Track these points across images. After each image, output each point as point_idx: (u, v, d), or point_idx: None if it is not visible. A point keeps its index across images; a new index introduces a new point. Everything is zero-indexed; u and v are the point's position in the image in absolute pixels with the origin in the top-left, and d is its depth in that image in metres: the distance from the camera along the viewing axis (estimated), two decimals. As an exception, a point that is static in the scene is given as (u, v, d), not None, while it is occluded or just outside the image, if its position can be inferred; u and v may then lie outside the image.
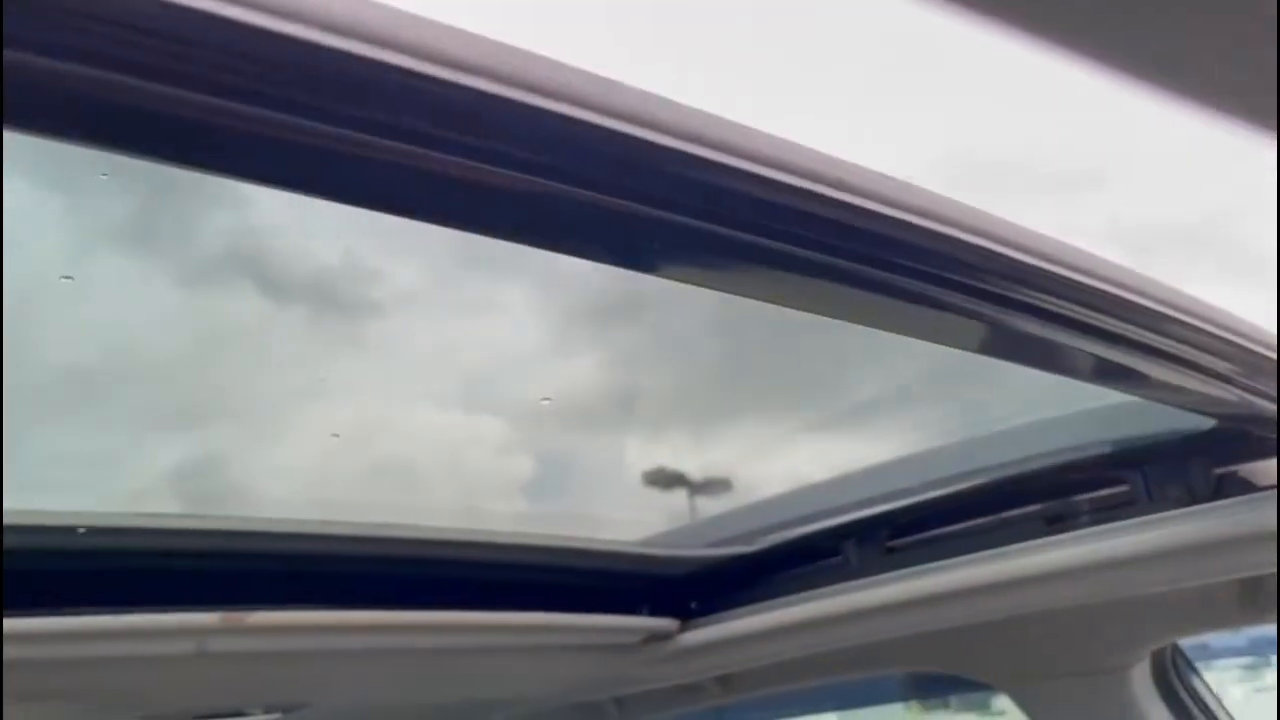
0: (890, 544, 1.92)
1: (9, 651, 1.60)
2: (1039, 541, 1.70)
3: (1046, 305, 0.92)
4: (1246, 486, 1.48)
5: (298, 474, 1.91)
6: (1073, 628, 1.85)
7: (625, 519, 2.27)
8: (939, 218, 0.82)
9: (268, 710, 2.28)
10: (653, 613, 2.14)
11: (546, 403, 1.81)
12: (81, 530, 1.73)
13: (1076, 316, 0.94)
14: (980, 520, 1.82)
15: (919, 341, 1.01)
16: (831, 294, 0.87)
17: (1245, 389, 1.14)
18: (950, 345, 1.05)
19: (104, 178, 1.18)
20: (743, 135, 0.72)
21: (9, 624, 1.55)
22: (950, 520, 1.87)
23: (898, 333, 1.01)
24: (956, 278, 0.87)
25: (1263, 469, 1.45)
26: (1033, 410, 1.75)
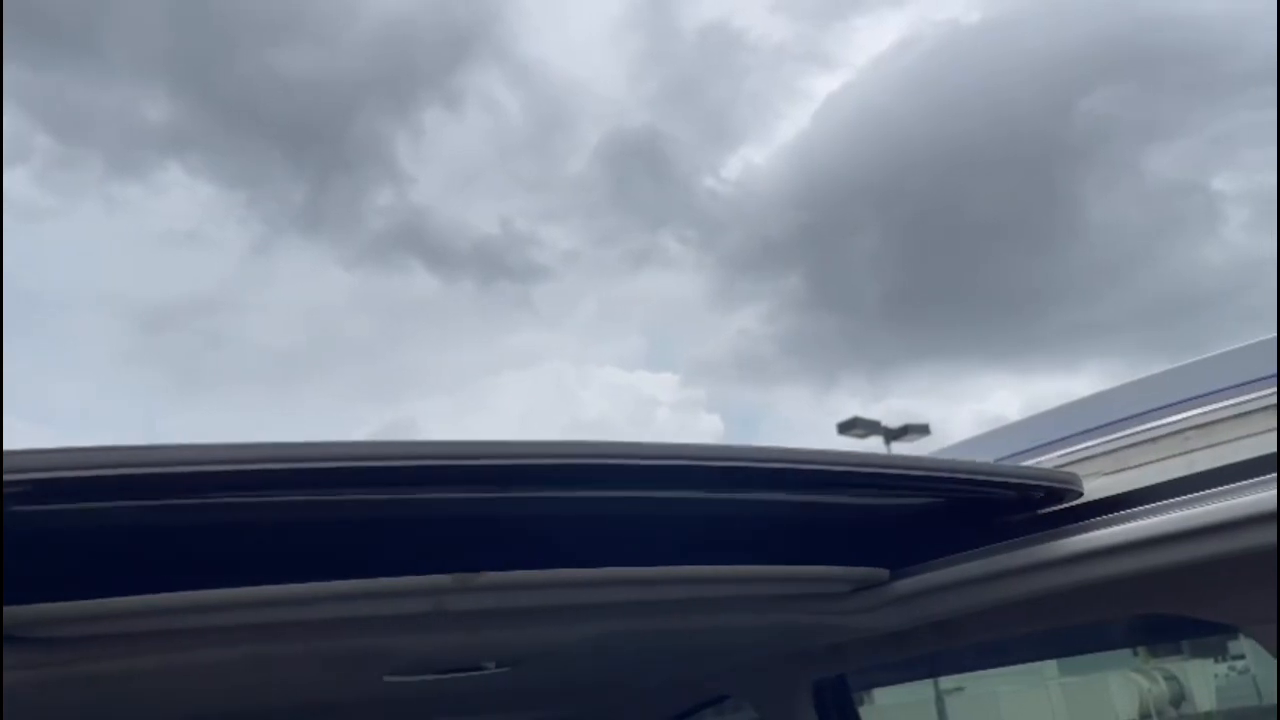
0: (1107, 481, 1.85)
1: (268, 616, 1.77)
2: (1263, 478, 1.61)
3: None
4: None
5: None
6: None
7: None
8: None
9: (500, 664, 2.42)
10: (863, 561, 2.13)
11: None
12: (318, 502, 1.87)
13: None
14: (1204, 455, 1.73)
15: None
16: None
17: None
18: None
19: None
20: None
21: (269, 590, 1.71)
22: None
23: None
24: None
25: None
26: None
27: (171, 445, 1.37)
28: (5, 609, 1.55)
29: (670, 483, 1.78)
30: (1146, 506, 1.77)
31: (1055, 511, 1.93)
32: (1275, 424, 1.48)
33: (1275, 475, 1.54)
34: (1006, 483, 1.92)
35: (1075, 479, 1.91)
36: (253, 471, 1.42)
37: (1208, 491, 1.69)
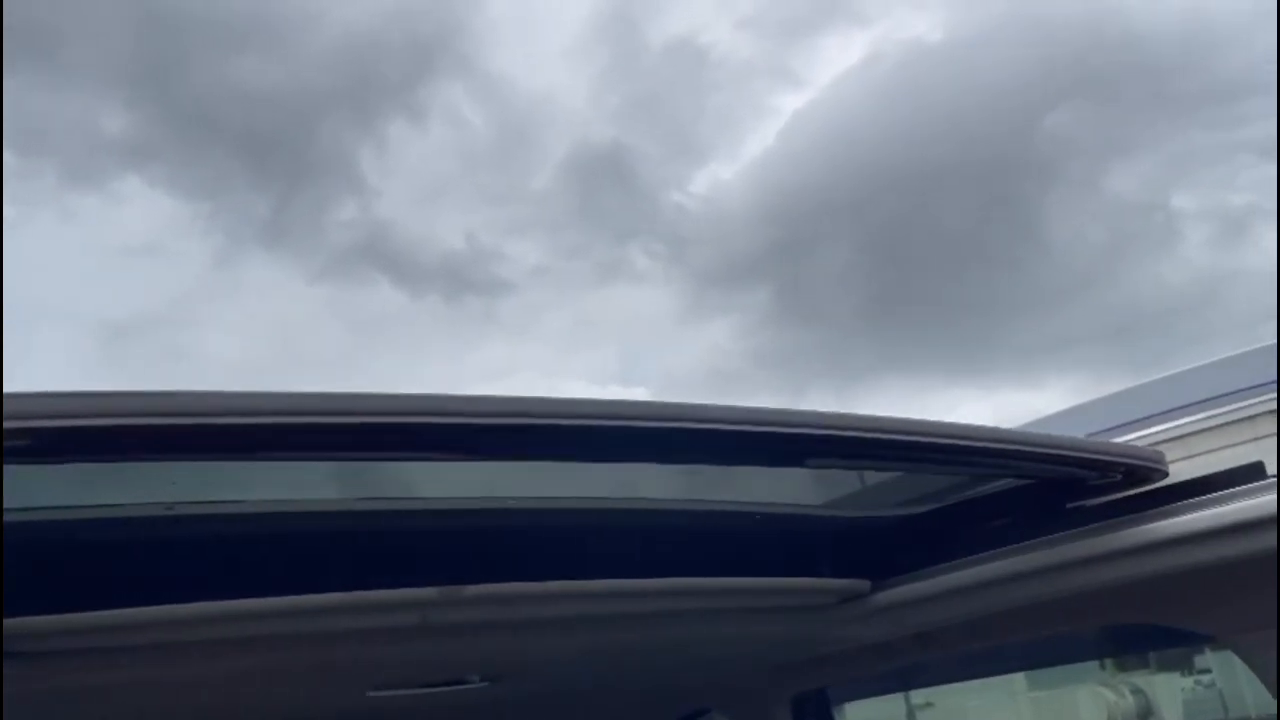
0: (1091, 489, 1.87)
1: (255, 629, 1.76)
2: (1257, 484, 1.63)
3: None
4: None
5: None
6: None
7: (800, 484, 2.27)
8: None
9: (484, 678, 2.42)
10: (845, 574, 2.15)
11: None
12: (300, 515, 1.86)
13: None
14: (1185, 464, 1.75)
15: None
16: None
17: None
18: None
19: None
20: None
21: (256, 603, 1.70)
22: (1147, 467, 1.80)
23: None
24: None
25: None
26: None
27: (185, 392, 1.25)
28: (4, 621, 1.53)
29: (730, 452, 1.65)
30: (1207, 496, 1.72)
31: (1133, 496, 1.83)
32: (1272, 431, 1.49)
33: (1275, 479, 1.55)
34: (1084, 459, 1.78)
35: (1160, 456, 1.78)
36: (262, 424, 1.31)
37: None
